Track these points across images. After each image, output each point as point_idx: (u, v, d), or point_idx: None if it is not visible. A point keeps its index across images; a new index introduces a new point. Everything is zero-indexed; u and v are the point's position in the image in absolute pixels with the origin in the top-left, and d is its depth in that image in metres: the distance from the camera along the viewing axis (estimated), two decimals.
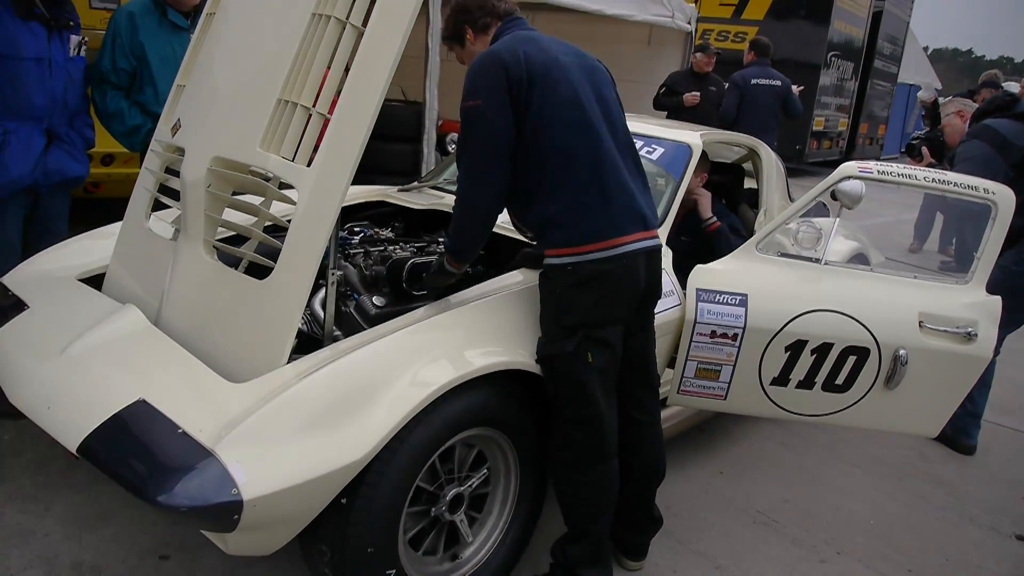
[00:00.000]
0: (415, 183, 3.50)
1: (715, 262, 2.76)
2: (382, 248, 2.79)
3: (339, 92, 1.96)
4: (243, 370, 1.94)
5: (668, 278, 2.65)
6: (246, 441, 1.69)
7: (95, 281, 2.58)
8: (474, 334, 2.10)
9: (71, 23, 2.91)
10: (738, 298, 2.65)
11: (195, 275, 2.20)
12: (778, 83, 6.49)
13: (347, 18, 1.97)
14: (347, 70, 1.97)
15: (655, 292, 2.23)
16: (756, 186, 3.68)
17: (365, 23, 1.95)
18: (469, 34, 2.23)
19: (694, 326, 2.62)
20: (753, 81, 6.52)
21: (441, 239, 2.91)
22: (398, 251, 2.75)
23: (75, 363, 2.03)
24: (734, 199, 3.69)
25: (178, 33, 3.20)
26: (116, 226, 2.82)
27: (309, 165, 1.97)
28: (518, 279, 2.39)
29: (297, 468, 1.68)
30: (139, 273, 2.46)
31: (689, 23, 6.99)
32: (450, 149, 7.24)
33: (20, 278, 2.58)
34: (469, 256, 2.19)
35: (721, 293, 2.66)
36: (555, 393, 2.10)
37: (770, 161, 3.63)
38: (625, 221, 2.09)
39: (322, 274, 2.07)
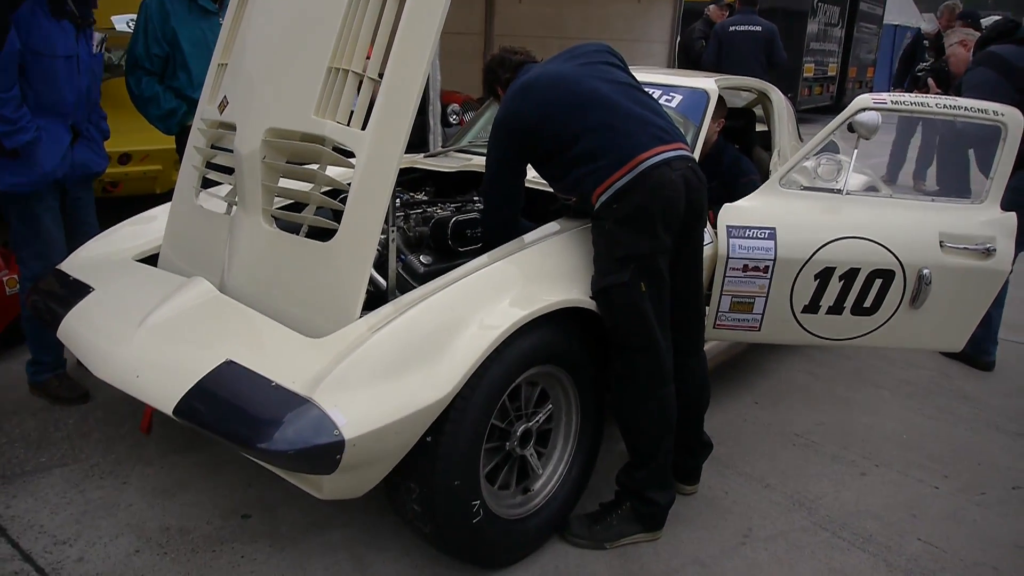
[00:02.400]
0: (440, 149, 3.59)
1: (742, 200, 2.87)
2: (421, 210, 2.89)
3: (387, 55, 2.06)
4: (317, 328, 2.04)
5: None
6: (338, 388, 1.80)
7: (149, 262, 2.69)
8: (530, 278, 2.21)
9: (92, 21, 2.98)
10: (767, 231, 2.77)
11: (256, 245, 2.30)
12: (758, 29, 6.50)
13: None
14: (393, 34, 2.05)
15: (699, 217, 2.34)
16: (767, 129, 3.78)
17: None
18: (499, 90, 2.60)
19: (727, 261, 2.74)
20: (731, 28, 6.55)
21: (476, 198, 3.02)
22: (438, 211, 2.85)
23: (155, 333, 2.14)
24: (748, 142, 3.79)
25: (208, 17, 3.28)
26: (160, 209, 2.92)
27: (364, 128, 2.06)
28: (557, 228, 2.51)
29: (390, 408, 1.80)
30: (194, 249, 2.56)
31: None
32: (451, 120, 7.32)
33: (77, 264, 2.68)
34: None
35: (750, 228, 2.77)
36: (613, 324, 2.23)
37: (780, 103, 3.73)
38: (641, 142, 2.25)
39: None
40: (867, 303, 2.83)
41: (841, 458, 2.98)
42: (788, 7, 11.00)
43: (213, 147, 2.56)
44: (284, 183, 2.33)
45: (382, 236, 2.23)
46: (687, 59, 6.85)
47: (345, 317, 2.03)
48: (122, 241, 2.82)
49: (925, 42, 7.38)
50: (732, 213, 2.80)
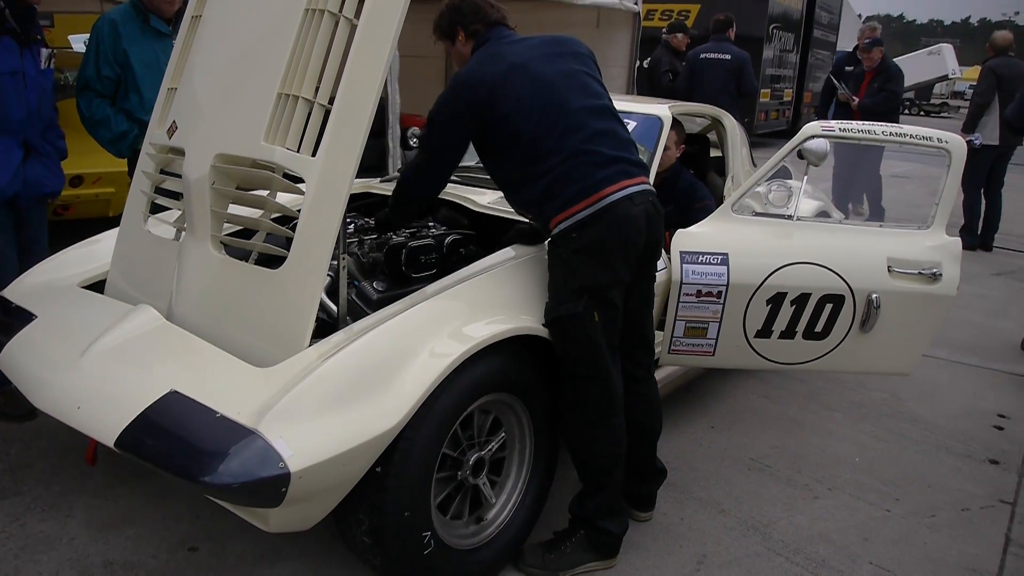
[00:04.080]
0: (396, 174, 3.58)
1: (694, 226, 2.90)
2: (375, 236, 2.87)
3: (337, 83, 2.04)
4: (265, 356, 2.01)
5: None
6: (284, 419, 1.77)
7: (96, 288, 2.62)
8: (482, 305, 2.20)
9: (38, 37, 2.94)
10: (719, 257, 2.80)
11: (205, 272, 2.26)
12: (727, 57, 6.58)
13: (340, 11, 2.05)
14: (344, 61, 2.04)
15: (656, 250, 2.35)
16: (721, 154, 3.84)
17: (358, 15, 2.04)
18: (461, 35, 2.41)
19: (680, 287, 2.76)
20: (702, 55, 6.64)
21: (431, 223, 3.00)
22: (392, 237, 2.83)
23: (98, 363, 2.08)
24: (702, 168, 3.84)
25: (161, 39, 3.25)
26: (110, 233, 2.86)
27: (314, 155, 2.05)
28: (512, 254, 2.50)
29: (337, 439, 1.77)
30: (141, 276, 2.51)
31: (636, 3, 7.12)
32: (412, 143, 7.31)
33: (21, 290, 2.61)
34: (400, 223, 2.71)
35: (703, 254, 2.80)
36: (565, 353, 2.22)
37: (734, 130, 3.79)
38: (608, 175, 2.23)
39: None
40: (818, 328, 2.87)
41: (795, 482, 3.00)
42: (744, 33, 11.17)
43: (162, 172, 2.52)
44: (234, 209, 2.30)
45: (334, 262, 2.21)
46: (653, 93, 6.94)
47: (294, 346, 1.99)
48: (68, 267, 2.75)
49: (848, 68, 7.64)
50: (685, 239, 2.83)
